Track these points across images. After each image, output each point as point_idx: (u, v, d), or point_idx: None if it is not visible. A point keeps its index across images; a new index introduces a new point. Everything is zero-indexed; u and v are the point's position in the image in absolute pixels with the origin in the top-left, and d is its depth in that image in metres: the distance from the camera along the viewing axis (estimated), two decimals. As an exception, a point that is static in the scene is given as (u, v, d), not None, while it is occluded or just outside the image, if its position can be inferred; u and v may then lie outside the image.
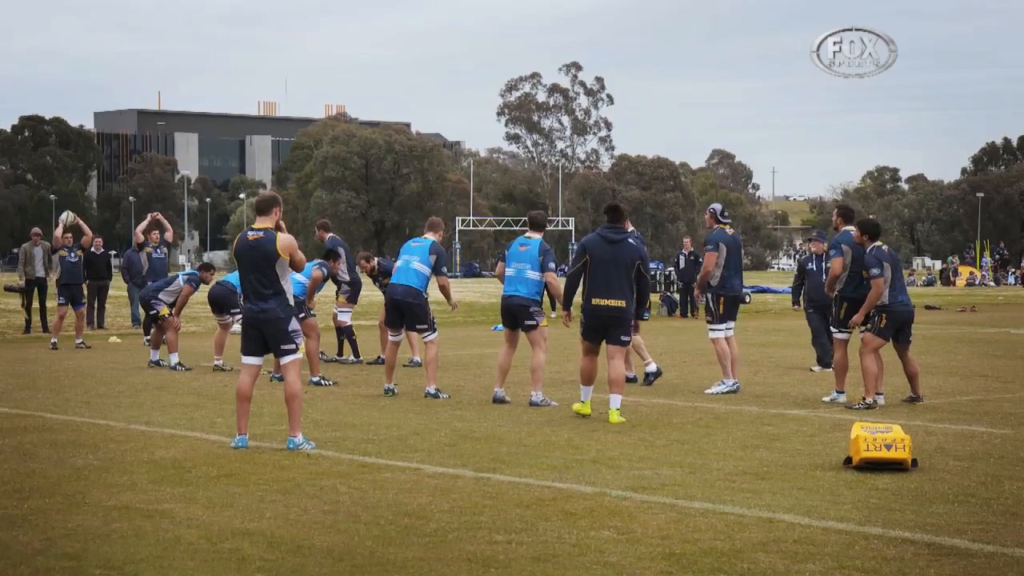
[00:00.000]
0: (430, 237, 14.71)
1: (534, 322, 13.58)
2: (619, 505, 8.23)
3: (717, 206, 15.20)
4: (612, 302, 12.49)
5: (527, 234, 13.87)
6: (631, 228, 13.75)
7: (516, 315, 13.71)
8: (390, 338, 14.92)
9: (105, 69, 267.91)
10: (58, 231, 23.36)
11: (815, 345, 17.67)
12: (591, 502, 8.33)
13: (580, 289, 13.04)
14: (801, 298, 18.10)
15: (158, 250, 24.11)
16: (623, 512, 8.01)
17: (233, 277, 17.15)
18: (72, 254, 23.36)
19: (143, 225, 24.13)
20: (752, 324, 27.40)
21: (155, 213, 23.75)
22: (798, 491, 8.70)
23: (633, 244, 12.75)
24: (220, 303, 17.73)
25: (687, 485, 8.91)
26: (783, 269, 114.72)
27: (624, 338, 12.66)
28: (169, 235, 24.26)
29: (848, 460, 9.60)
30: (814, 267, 17.28)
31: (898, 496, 8.54)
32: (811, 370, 17.32)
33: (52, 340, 22.11)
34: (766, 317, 32.72)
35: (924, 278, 64.05)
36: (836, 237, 13.98)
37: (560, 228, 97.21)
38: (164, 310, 18.04)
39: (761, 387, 15.29)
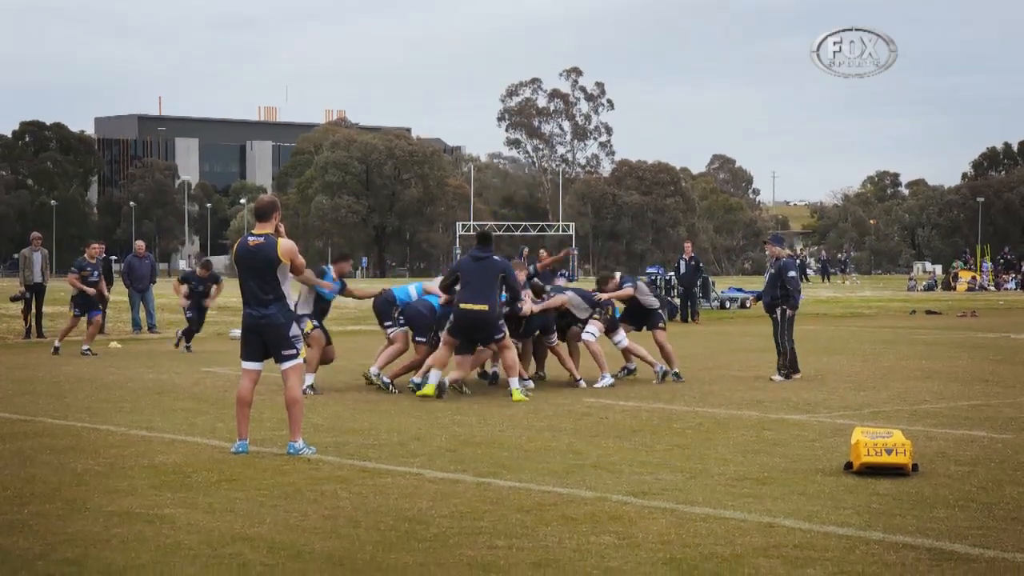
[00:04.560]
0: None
1: (501, 334, 14.47)
2: (619, 510, 8.23)
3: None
4: (477, 306, 14.21)
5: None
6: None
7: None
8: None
9: (106, 74, 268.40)
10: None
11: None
12: (591, 507, 8.33)
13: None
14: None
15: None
16: (624, 517, 8.01)
17: (400, 291, 16.10)
18: (95, 273, 22.77)
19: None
20: (752, 329, 27.37)
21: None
22: (798, 496, 8.69)
23: (498, 259, 14.64)
24: (378, 312, 16.20)
25: (687, 490, 8.91)
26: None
27: (497, 336, 14.34)
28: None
29: (849, 465, 9.60)
30: (773, 271, 17.64)
31: (899, 501, 8.54)
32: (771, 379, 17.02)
33: (55, 344, 21.89)
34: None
35: (925, 282, 63.97)
36: (625, 278, 16.73)
37: (560, 233, 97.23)
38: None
39: (761, 392, 15.29)
